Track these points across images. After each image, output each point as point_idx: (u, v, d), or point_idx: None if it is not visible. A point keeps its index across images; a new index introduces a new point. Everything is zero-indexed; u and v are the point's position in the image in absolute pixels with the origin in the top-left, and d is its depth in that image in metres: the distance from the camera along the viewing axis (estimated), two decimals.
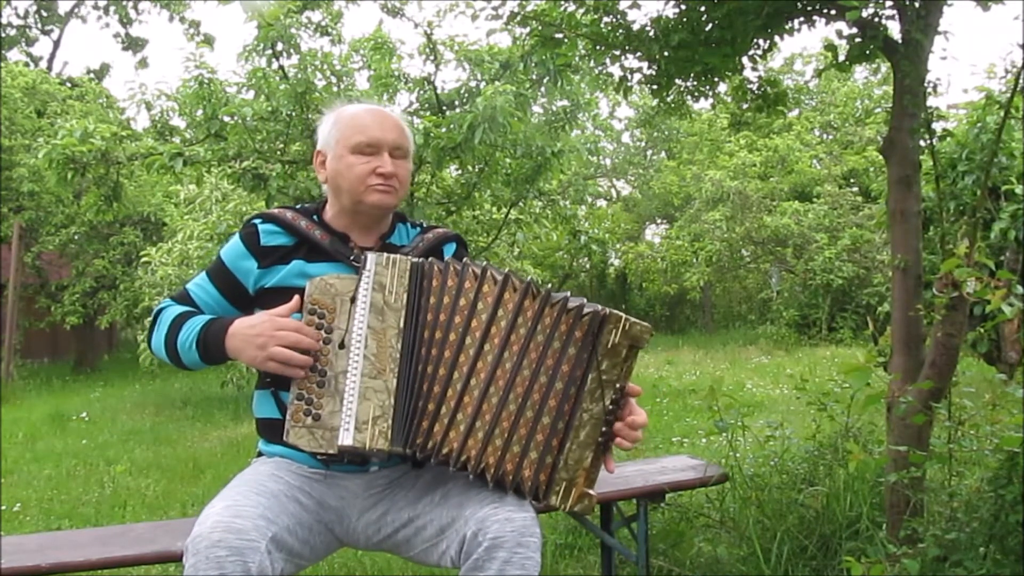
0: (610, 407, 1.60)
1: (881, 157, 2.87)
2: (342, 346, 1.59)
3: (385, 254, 1.61)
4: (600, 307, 1.59)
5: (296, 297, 1.62)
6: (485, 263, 1.64)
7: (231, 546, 1.42)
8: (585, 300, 1.61)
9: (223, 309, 1.76)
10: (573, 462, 1.59)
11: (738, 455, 3.18)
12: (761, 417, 5.52)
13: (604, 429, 1.61)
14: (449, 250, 1.87)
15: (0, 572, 1.98)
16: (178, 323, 1.72)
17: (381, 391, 1.56)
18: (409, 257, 1.62)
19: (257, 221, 1.77)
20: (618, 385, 1.61)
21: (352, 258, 1.71)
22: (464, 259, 1.67)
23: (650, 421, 6.38)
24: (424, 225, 1.90)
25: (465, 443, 1.56)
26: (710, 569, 2.88)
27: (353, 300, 1.59)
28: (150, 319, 1.82)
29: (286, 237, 1.75)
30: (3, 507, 4.44)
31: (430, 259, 1.63)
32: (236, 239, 1.78)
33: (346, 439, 1.54)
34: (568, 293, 1.61)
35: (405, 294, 1.59)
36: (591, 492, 1.62)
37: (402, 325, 1.58)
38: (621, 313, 1.59)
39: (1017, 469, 2.09)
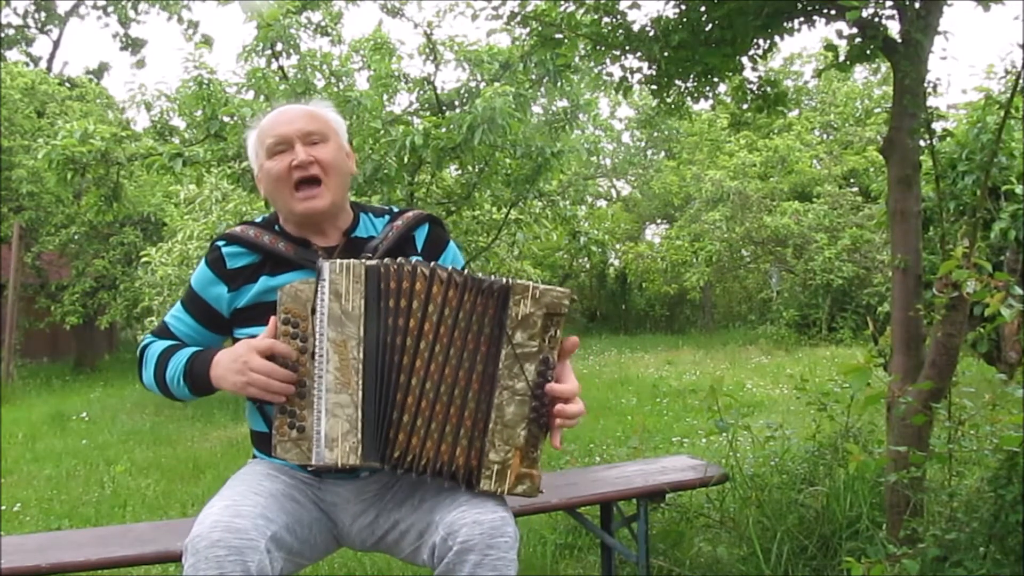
0: (537, 380, 1.54)
1: (881, 157, 2.87)
2: (313, 356, 1.56)
3: (339, 260, 1.56)
4: (505, 279, 1.54)
5: (272, 319, 1.58)
6: (433, 263, 1.59)
7: (230, 545, 1.42)
8: (494, 276, 1.56)
9: (202, 337, 1.75)
10: (502, 443, 1.54)
11: (738, 455, 3.18)
12: (761, 417, 5.52)
13: (535, 404, 1.54)
14: (421, 234, 1.80)
15: (0, 572, 1.98)
16: (164, 359, 1.70)
17: (347, 405, 1.53)
18: (364, 262, 1.56)
19: (220, 244, 1.74)
20: (542, 357, 1.54)
21: (316, 262, 1.65)
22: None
23: (650, 421, 6.41)
24: (394, 211, 1.83)
25: (413, 443, 1.55)
26: (710, 569, 2.88)
27: (313, 311, 1.55)
28: (137, 356, 1.80)
29: (251, 255, 1.71)
30: (3, 507, 4.44)
31: (385, 260, 1.57)
32: (203, 266, 1.75)
33: (319, 458, 1.53)
34: (481, 275, 1.56)
35: (362, 301, 1.54)
36: (533, 472, 1.56)
37: (362, 334, 1.54)
38: (529, 282, 1.53)
39: (1017, 469, 2.09)
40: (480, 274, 1.57)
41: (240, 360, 1.56)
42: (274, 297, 1.60)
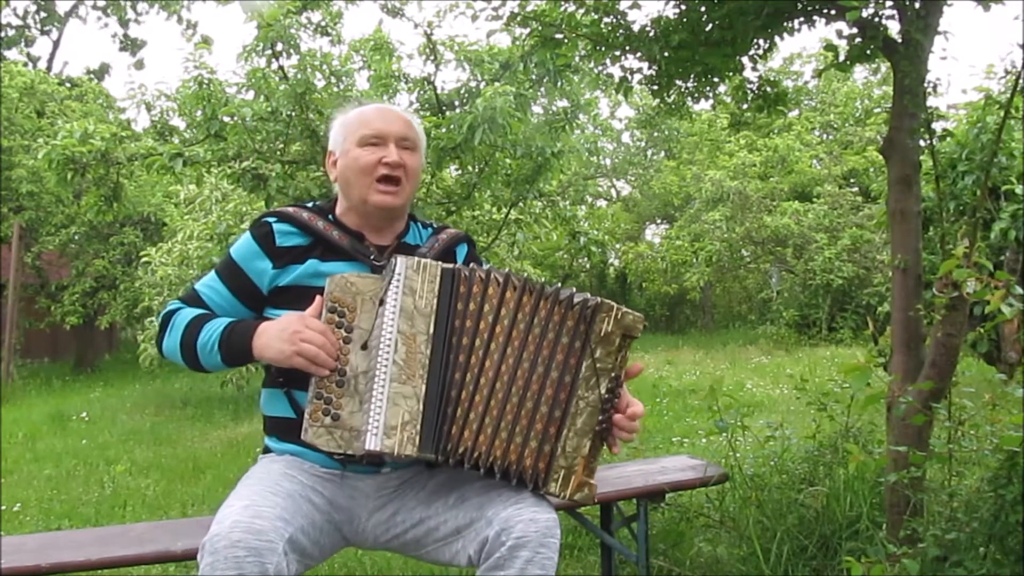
0: (606, 395, 1.62)
1: (881, 157, 2.87)
2: (364, 347, 1.59)
3: (415, 258, 1.62)
4: (593, 297, 1.62)
5: (318, 298, 1.62)
6: (507, 270, 1.66)
7: (250, 546, 1.42)
8: (574, 290, 1.63)
9: (234, 309, 1.75)
10: (571, 450, 1.61)
11: (738, 455, 3.18)
12: (761, 417, 5.52)
13: (601, 418, 1.63)
14: (462, 251, 1.89)
15: (0, 572, 1.98)
16: (196, 325, 1.70)
17: (410, 397, 1.56)
18: (440, 263, 1.62)
19: (272, 220, 1.75)
20: (613, 374, 1.63)
21: (372, 257, 1.72)
22: (486, 265, 1.69)
23: (650, 421, 6.41)
24: (435, 226, 1.91)
25: (477, 440, 1.58)
26: (710, 569, 2.88)
27: (382, 303, 1.58)
28: (159, 321, 1.79)
29: (302, 237, 1.74)
30: (3, 507, 4.44)
31: (459, 265, 1.65)
32: (248, 238, 1.75)
33: (373, 444, 1.54)
34: (559, 285, 1.64)
35: (435, 300, 1.59)
36: (591, 481, 1.64)
37: (431, 331, 1.58)
38: (613, 303, 1.62)
39: (1017, 469, 2.09)
40: (560, 286, 1.63)
41: (292, 330, 1.58)
42: (317, 282, 1.64)
